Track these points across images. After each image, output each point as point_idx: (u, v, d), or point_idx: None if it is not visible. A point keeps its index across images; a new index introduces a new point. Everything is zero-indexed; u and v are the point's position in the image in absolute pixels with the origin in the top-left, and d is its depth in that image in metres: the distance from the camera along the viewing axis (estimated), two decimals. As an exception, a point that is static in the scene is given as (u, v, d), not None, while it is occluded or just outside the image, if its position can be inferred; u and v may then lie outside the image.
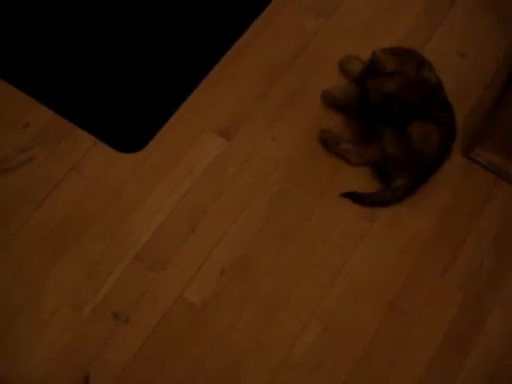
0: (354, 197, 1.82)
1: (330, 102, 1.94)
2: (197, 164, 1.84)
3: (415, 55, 1.73)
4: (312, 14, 2.11)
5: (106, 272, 1.68)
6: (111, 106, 1.92)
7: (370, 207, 1.82)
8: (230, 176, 1.83)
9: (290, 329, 1.66)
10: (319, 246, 1.77)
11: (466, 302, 1.73)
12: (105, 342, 1.61)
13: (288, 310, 1.68)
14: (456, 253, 1.78)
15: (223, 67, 2.00)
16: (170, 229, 1.75)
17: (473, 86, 2.01)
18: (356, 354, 1.64)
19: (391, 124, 1.73)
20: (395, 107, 1.69)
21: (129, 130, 1.88)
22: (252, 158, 1.86)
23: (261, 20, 2.09)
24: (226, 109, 1.93)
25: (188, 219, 1.77)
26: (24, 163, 1.81)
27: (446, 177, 1.86)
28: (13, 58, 1.98)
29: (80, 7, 2.07)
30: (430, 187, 1.84)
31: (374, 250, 1.77)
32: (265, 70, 2.00)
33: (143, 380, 1.59)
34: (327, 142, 1.86)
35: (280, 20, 2.09)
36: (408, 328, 1.69)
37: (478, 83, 2.02)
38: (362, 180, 1.85)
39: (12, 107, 1.90)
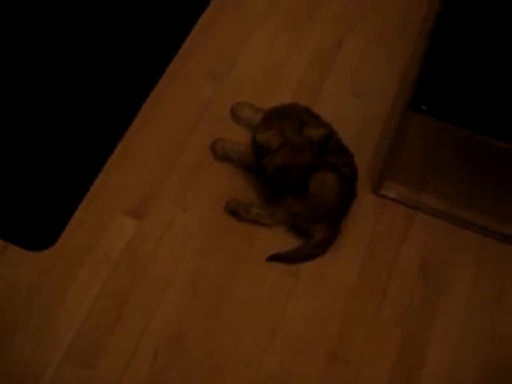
0: (279, 258, 1.81)
1: (222, 156, 1.94)
2: (112, 250, 1.79)
3: (293, 115, 1.76)
4: (207, 78, 2.12)
5: (34, 380, 1.61)
6: (14, 205, 1.86)
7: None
8: (147, 255, 1.79)
9: (234, 400, 1.63)
10: (250, 310, 1.74)
11: (404, 338, 1.73)
12: None
13: (229, 380, 1.64)
14: (385, 290, 1.79)
15: (127, 143, 1.98)
16: (94, 322, 1.69)
17: (372, 124, 2.06)
18: (305, 414, 1.62)
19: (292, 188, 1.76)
20: (292, 173, 1.72)
21: (36, 227, 1.83)
22: (166, 233, 1.83)
23: (158, 90, 2.08)
24: (135, 187, 1.90)
25: (112, 308, 1.71)
26: None
27: (361, 218, 1.88)
28: None
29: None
30: (347, 231, 1.85)
31: (305, 303, 1.76)
32: (169, 140, 1.99)
33: None
34: (236, 212, 1.85)
35: (176, 89, 2.09)
36: (353, 376, 1.68)
37: (378, 120, 2.07)
38: (280, 237, 1.84)
39: None
